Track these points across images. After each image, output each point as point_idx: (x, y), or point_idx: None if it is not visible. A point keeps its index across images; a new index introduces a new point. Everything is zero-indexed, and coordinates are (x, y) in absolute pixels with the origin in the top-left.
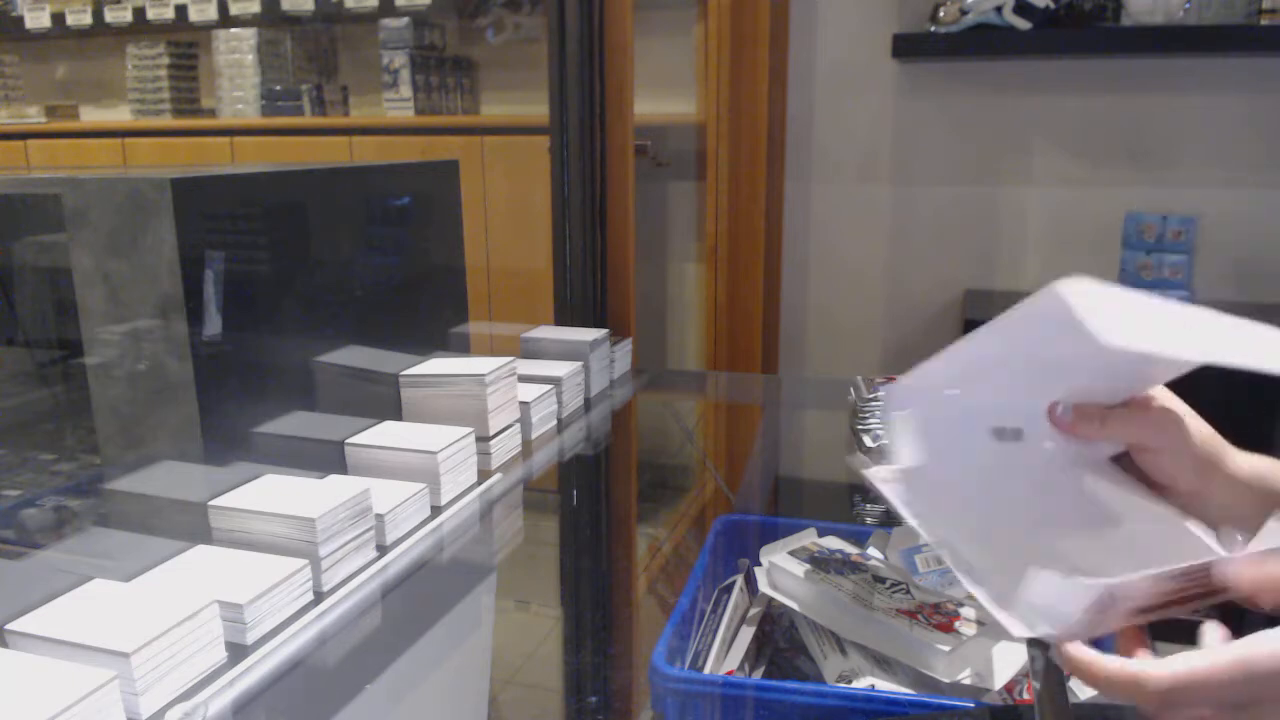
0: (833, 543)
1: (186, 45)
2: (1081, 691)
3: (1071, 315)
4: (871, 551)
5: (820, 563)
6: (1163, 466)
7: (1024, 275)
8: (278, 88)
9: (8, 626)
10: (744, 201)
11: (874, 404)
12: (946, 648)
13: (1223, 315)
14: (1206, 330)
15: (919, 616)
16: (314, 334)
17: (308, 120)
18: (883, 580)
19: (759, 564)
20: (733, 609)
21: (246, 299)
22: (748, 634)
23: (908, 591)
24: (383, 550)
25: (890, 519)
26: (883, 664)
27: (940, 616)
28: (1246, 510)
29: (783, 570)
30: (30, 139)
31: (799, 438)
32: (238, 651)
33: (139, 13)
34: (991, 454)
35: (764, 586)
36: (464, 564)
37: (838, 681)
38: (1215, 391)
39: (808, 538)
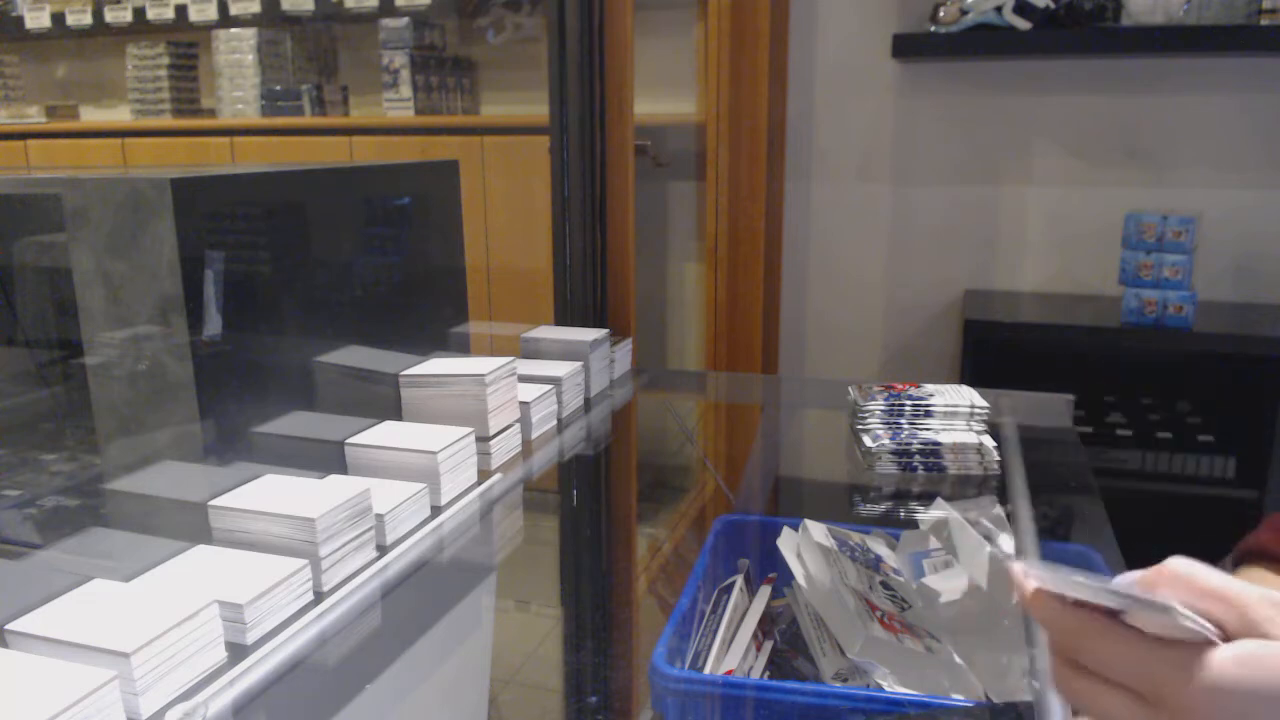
0: (881, 548)
1: (186, 45)
2: None
3: None
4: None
5: (847, 547)
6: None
7: (1024, 275)
8: (278, 88)
9: (8, 626)
10: (744, 201)
11: (873, 405)
12: (873, 635)
13: None
14: None
15: (883, 620)
16: (314, 334)
17: (308, 120)
18: (890, 589)
19: (795, 529)
20: (733, 609)
21: (246, 299)
22: (747, 634)
23: (901, 608)
24: (383, 550)
25: (888, 520)
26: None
27: (904, 630)
28: None
29: (810, 537)
30: (30, 139)
31: (799, 438)
32: (238, 651)
33: (139, 13)
34: None
35: (780, 542)
36: (464, 564)
37: (835, 680)
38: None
39: (877, 541)
